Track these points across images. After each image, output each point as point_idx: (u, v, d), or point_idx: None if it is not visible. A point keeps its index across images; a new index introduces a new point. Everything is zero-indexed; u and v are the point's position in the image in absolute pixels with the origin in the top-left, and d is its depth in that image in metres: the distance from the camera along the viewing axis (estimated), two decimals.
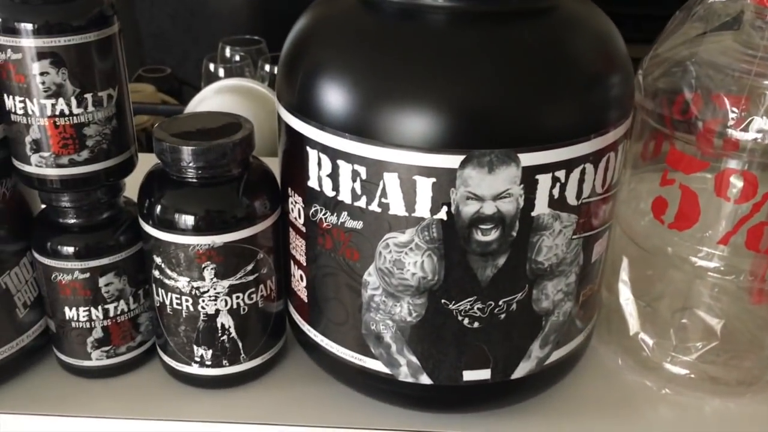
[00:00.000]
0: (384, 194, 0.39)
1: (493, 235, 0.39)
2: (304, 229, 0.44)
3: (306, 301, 0.46)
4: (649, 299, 0.49)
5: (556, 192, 0.39)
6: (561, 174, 0.38)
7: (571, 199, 0.40)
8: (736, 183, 0.41)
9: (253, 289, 0.45)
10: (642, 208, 0.47)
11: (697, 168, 0.43)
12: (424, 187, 0.38)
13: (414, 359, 0.43)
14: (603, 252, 0.45)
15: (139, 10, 2.50)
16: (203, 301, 0.44)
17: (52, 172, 0.42)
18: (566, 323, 0.44)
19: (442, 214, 0.38)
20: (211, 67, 1.18)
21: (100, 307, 0.46)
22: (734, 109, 0.40)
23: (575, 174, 0.39)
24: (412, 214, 0.39)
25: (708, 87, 0.43)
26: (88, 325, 0.46)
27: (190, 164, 0.42)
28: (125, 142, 0.44)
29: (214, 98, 0.91)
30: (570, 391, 0.48)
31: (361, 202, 0.39)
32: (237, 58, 1.22)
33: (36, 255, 0.45)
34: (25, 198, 0.47)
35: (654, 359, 0.48)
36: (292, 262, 0.46)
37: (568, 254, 0.41)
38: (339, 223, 0.41)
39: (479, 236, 0.39)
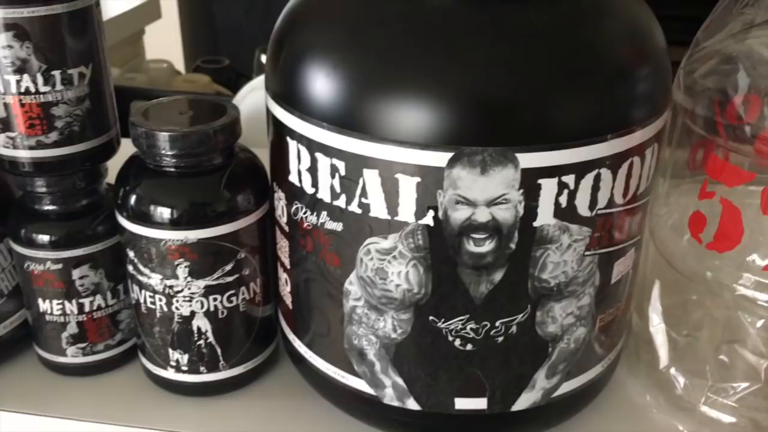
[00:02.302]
0: (364, 193, 0.34)
1: (488, 246, 0.34)
2: (287, 228, 0.39)
3: (291, 308, 0.42)
4: (684, 330, 0.42)
5: (563, 200, 0.33)
6: (569, 179, 0.33)
7: (583, 209, 0.34)
8: None
9: (233, 291, 0.41)
10: (680, 224, 0.41)
11: (742, 180, 0.36)
12: (408, 187, 0.33)
13: (400, 381, 0.38)
14: (628, 272, 0.39)
15: (216, 2, 2.52)
16: (177, 301, 0.40)
17: (22, 154, 0.39)
18: (579, 351, 0.38)
19: (429, 219, 0.34)
20: (263, 58, 1.16)
21: (74, 301, 0.43)
22: None
23: (587, 180, 0.33)
24: (395, 218, 0.34)
25: (761, 88, 0.36)
26: (62, 320, 0.43)
27: (166, 151, 0.38)
28: (103, 125, 0.41)
29: (262, 89, 0.89)
30: (585, 429, 0.42)
31: (341, 202, 0.35)
32: None
33: (11, 242, 0.43)
34: (7, 182, 0.44)
35: (687, 399, 0.42)
36: (278, 264, 0.42)
37: (579, 273, 0.36)
38: (319, 223, 0.36)
39: (471, 247, 0.34)
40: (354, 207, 0.35)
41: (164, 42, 1.96)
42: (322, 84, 0.34)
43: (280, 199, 0.39)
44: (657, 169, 0.39)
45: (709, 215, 0.38)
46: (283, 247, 0.41)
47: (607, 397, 0.44)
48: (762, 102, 0.37)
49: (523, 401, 0.38)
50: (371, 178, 0.33)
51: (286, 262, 0.41)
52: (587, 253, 0.35)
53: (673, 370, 0.42)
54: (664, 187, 0.43)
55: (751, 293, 0.37)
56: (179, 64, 1.92)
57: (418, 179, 0.33)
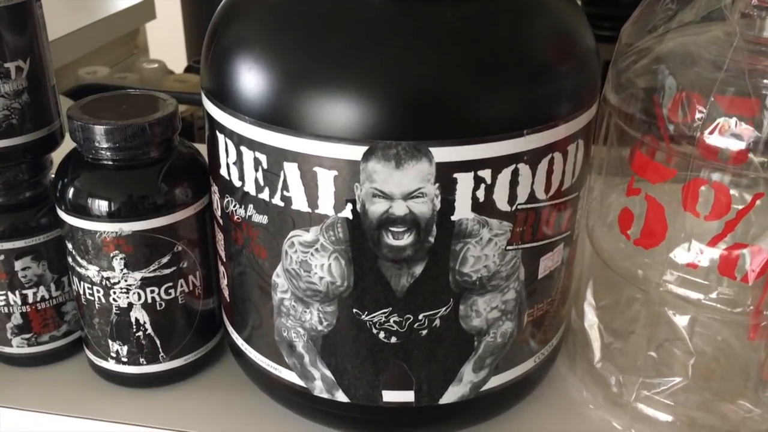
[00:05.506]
0: (285, 186, 0.34)
1: (406, 239, 0.34)
2: (221, 221, 0.40)
3: (228, 300, 0.42)
4: (617, 326, 0.43)
5: (480, 195, 0.34)
6: (486, 174, 0.33)
7: (502, 204, 0.35)
8: (706, 196, 0.35)
9: (170, 284, 0.42)
10: (614, 224, 0.41)
11: (664, 177, 0.37)
12: (326, 180, 0.33)
13: (328, 373, 0.39)
14: (559, 267, 0.40)
15: (218, 1, 2.53)
16: (114, 293, 0.41)
17: None
18: (507, 345, 0.39)
19: (347, 213, 0.34)
20: None
21: (17, 292, 0.44)
22: (702, 109, 0.34)
23: (505, 175, 0.34)
24: (316, 211, 0.34)
25: (696, 86, 0.36)
26: (6, 310, 0.44)
27: (101, 144, 0.39)
28: (44, 117, 0.41)
29: None
30: (518, 424, 0.43)
31: (265, 195, 0.35)
32: None
33: None
34: None
35: (621, 395, 0.42)
36: (218, 258, 0.43)
37: (502, 267, 0.36)
38: (247, 216, 0.37)
39: (390, 240, 0.34)
40: (277, 200, 0.35)
41: (166, 40, 1.97)
42: (244, 79, 0.34)
43: (215, 193, 0.40)
44: (589, 166, 0.39)
45: (636, 212, 0.39)
46: (220, 240, 0.41)
47: (545, 392, 0.44)
48: (700, 100, 0.37)
49: (451, 394, 0.39)
50: (291, 172, 0.34)
51: (223, 255, 0.41)
52: (509, 247, 0.36)
53: (606, 366, 0.42)
54: (600, 187, 0.43)
55: (675, 289, 0.38)
56: (182, 63, 1.93)
57: (335, 173, 0.33)
